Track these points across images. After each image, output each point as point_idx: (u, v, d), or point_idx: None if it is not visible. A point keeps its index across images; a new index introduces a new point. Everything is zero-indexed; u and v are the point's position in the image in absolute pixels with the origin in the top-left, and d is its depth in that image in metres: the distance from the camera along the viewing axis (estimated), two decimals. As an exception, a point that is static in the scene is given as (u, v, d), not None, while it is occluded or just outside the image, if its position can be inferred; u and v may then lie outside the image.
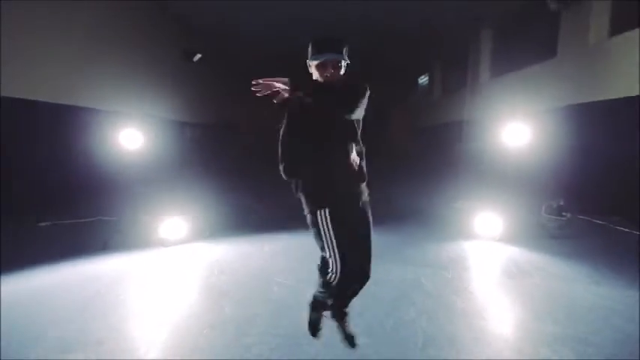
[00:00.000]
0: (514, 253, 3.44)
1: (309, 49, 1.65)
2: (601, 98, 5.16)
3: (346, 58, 1.63)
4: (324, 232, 1.56)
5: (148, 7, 7.28)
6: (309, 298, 1.83)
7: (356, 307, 1.84)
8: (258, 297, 2.50)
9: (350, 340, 1.74)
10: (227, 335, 2.02)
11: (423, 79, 14.07)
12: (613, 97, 4.97)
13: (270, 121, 1.78)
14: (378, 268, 1.66)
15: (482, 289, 2.72)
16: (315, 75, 1.66)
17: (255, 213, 5.10)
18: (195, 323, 2.16)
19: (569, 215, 4.71)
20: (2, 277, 2.75)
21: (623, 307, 2.32)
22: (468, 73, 9.39)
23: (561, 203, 4.78)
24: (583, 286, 2.67)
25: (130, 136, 3.59)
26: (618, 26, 5.12)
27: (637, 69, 4.60)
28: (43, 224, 4.35)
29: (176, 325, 2.17)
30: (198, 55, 9.22)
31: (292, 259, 3.24)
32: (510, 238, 3.79)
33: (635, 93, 4.59)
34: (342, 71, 1.64)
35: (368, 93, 1.60)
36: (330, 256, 1.58)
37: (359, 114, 1.61)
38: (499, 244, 3.69)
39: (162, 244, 3.58)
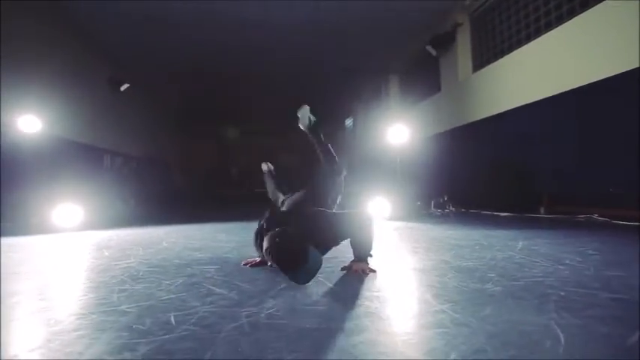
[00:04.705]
0: (397, 223, 3.97)
1: None
2: (470, 121, 6.41)
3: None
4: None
5: (75, 35, 7.37)
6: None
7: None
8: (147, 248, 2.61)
9: None
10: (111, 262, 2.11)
11: (349, 122, 15.50)
12: (478, 119, 6.21)
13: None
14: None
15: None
16: None
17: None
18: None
19: (452, 208, 5.52)
20: None
21: (462, 237, 2.89)
22: (382, 112, 10.75)
23: (445, 199, 5.61)
24: (439, 231, 3.23)
25: (29, 120, 3.56)
26: (478, 64, 6.58)
27: (493, 95, 5.91)
28: None
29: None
30: (126, 85, 9.29)
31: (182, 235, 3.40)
32: (398, 217, 4.36)
33: (493, 113, 5.83)
34: None
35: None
36: None
37: None
38: (388, 221, 4.23)
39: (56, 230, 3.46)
